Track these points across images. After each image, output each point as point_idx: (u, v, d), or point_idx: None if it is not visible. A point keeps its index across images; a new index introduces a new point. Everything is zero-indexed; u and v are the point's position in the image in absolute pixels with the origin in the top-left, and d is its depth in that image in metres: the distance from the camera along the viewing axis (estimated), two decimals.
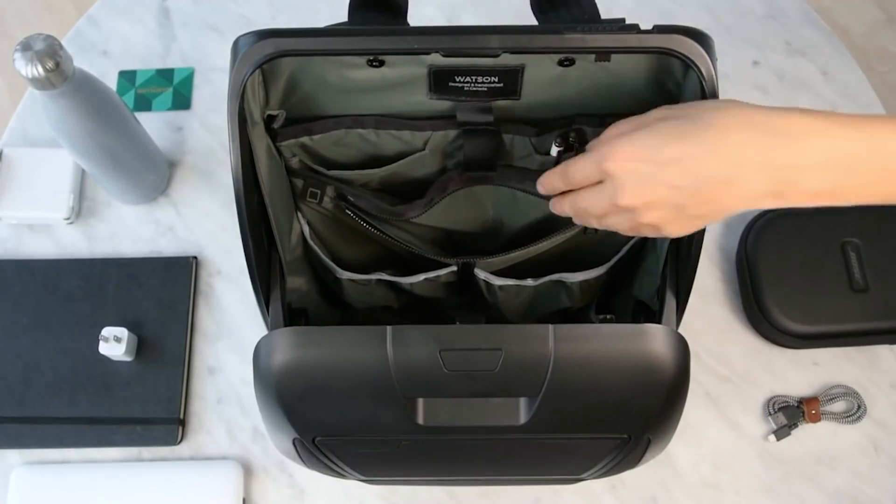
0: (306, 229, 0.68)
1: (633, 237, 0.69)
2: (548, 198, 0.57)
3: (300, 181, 0.65)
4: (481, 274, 0.69)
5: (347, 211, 0.67)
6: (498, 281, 0.69)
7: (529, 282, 0.69)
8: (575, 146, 0.64)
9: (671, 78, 0.59)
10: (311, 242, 0.68)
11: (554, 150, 0.64)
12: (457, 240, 0.75)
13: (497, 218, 0.72)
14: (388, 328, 0.51)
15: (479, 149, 0.64)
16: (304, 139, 0.63)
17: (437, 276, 0.69)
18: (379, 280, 0.70)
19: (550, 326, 0.50)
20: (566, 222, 0.69)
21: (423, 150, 0.65)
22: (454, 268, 0.69)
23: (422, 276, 0.69)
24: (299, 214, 0.68)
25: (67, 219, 0.84)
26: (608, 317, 0.67)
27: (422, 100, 0.61)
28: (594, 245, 0.71)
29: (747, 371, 0.81)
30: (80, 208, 0.86)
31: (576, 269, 0.69)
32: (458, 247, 0.75)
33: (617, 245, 0.70)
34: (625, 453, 0.55)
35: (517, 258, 0.69)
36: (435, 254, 0.70)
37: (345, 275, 0.70)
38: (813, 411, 0.77)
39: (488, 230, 0.74)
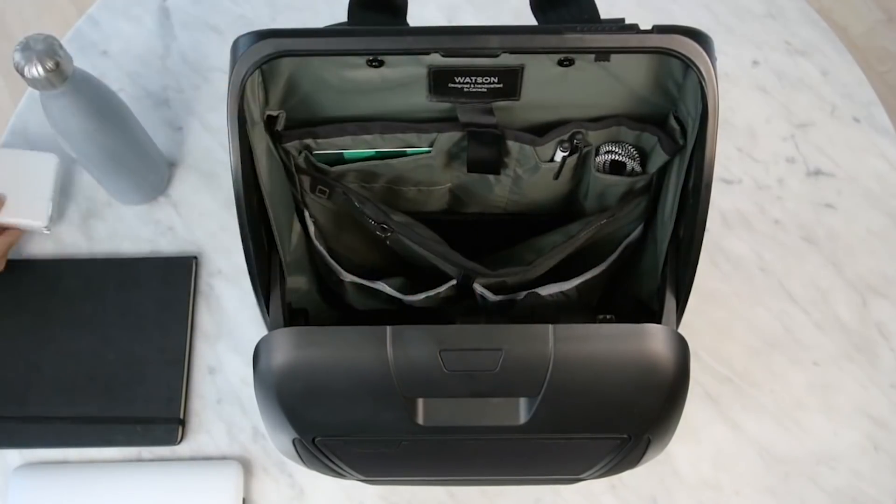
0: (312, 228, 0.68)
1: (627, 237, 0.69)
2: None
3: (308, 178, 0.65)
4: (479, 289, 0.69)
5: (356, 203, 0.67)
6: (494, 297, 0.69)
7: (522, 295, 0.69)
8: (580, 149, 0.64)
9: (671, 78, 0.59)
10: (316, 242, 0.68)
11: (559, 156, 0.64)
12: (462, 202, 0.74)
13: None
14: (388, 328, 0.51)
15: (484, 152, 0.64)
16: (309, 141, 0.63)
17: (437, 293, 0.69)
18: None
19: (550, 326, 0.50)
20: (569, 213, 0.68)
21: (429, 151, 0.65)
22: (454, 282, 0.69)
23: (422, 295, 0.69)
24: (306, 213, 0.67)
25: (46, 227, 0.82)
26: (608, 317, 0.67)
27: (422, 101, 0.61)
28: (592, 247, 0.71)
29: (747, 371, 0.81)
30: (61, 214, 0.85)
31: (574, 270, 0.69)
32: (463, 234, 0.74)
33: (613, 245, 0.70)
34: (625, 453, 0.55)
35: (517, 278, 0.69)
36: (438, 251, 0.69)
37: (349, 277, 0.70)
38: None
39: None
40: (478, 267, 0.67)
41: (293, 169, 0.64)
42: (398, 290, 0.70)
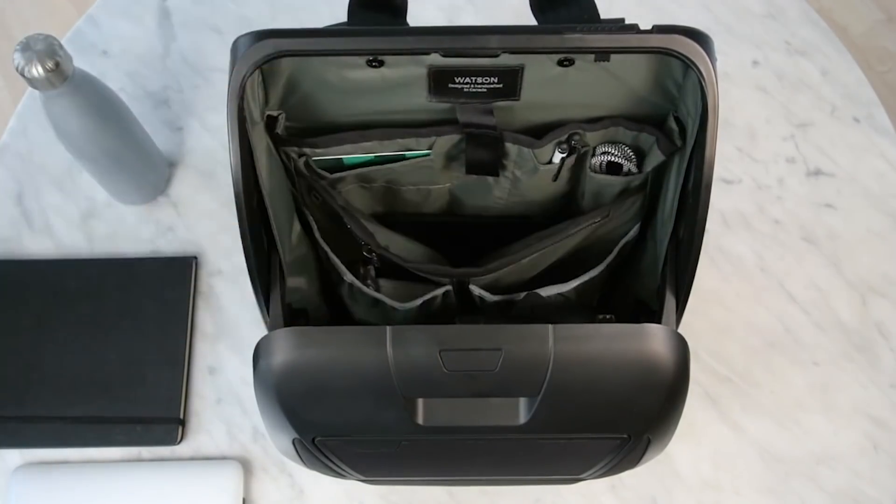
0: (315, 227, 0.68)
1: (624, 237, 0.69)
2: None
3: (305, 182, 0.65)
4: (476, 290, 0.69)
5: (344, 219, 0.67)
6: (492, 297, 0.69)
7: (521, 295, 0.69)
8: (577, 150, 0.64)
9: (671, 78, 0.59)
10: (321, 241, 0.68)
11: (557, 158, 0.64)
12: (461, 202, 0.74)
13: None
14: (388, 328, 0.51)
15: (482, 154, 0.64)
16: (307, 150, 0.63)
17: (434, 297, 0.69)
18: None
19: (550, 326, 0.50)
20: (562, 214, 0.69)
21: (428, 154, 0.65)
22: (448, 287, 0.68)
23: (419, 301, 0.69)
24: (308, 213, 0.67)
25: None
26: (608, 317, 0.67)
27: (422, 101, 0.61)
28: (590, 248, 0.71)
29: (747, 371, 0.81)
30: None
31: (572, 272, 0.69)
32: (462, 234, 0.74)
33: (610, 245, 0.70)
34: (624, 453, 0.55)
35: (511, 271, 0.69)
36: (425, 270, 0.69)
37: (349, 277, 0.70)
38: None
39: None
40: (468, 270, 0.67)
41: (293, 171, 0.64)
42: (394, 298, 0.70)
